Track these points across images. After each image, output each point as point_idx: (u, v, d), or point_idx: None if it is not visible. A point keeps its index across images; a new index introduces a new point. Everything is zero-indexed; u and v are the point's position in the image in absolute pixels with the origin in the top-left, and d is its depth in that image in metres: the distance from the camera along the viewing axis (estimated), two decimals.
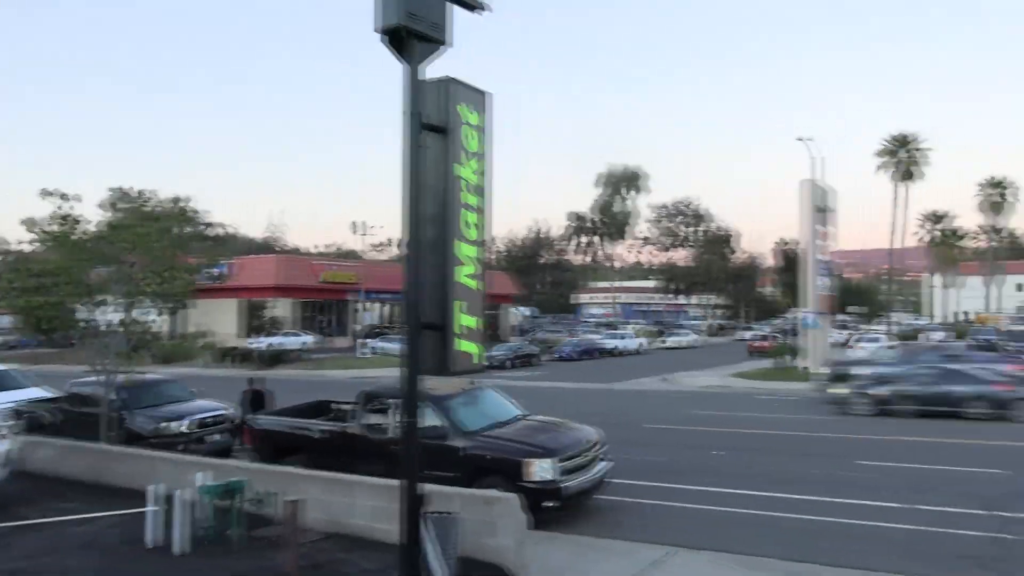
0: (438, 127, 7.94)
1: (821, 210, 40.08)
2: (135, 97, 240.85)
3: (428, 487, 8.56)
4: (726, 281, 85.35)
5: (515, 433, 12.63)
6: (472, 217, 8.23)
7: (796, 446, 19.26)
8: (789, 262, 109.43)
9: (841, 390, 25.83)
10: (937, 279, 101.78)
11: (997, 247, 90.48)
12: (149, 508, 9.48)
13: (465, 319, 8.16)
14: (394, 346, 53.16)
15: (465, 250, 8.15)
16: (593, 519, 12.26)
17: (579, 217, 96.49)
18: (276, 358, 48.18)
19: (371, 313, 67.80)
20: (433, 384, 14.93)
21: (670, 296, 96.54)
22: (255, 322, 58.87)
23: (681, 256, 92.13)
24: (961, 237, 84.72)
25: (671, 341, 68.17)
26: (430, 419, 12.46)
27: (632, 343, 62.25)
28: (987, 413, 22.50)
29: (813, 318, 35.23)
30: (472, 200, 8.23)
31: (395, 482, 8.46)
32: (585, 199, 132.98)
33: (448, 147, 7.94)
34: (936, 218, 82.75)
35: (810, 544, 10.84)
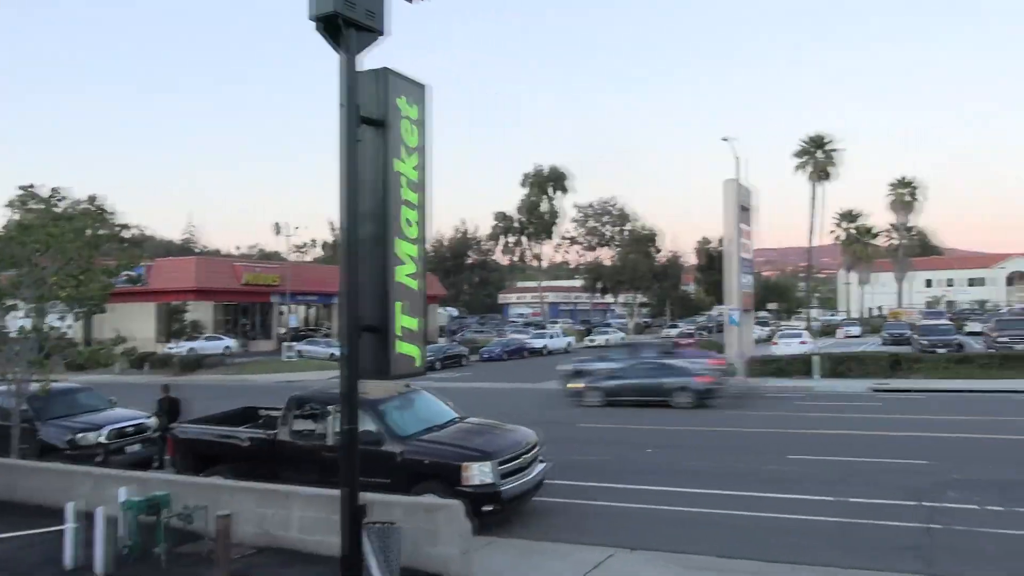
0: (376, 120, 7.63)
1: (744, 209, 40.78)
2: (39, 93, 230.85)
3: (368, 496, 8.24)
4: (652, 279, 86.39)
5: (452, 437, 12.35)
6: (412, 214, 7.94)
7: (724, 441, 19.48)
8: (710, 260, 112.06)
9: (577, 384, 28.44)
10: (851, 276, 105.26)
11: (907, 245, 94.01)
12: (67, 526, 8.86)
13: (406, 320, 7.87)
14: (320, 349, 52.21)
15: (405, 248, 7.86)
16: (531, 522, 12.08)
17: (505, 217, 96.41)
18: (197, 363, 46.68)
19: (295, 316, 66.42)
20: (367, 387, 14.62)
21: (595, 295, 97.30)
22: (174, 326, 56.92)
23: (606, 255, 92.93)
24: (875, 235, 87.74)
25: (599, 339, 68.64)
26: (364, 424, 12.02)
27: (561, 342, 62.51)
28: (690, 402, 25.49)
29: (737, 315, 35.81)
30: (412, 197, 7.94)
31: (333, 492, 8.10)
32: (512, 199, 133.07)
33: (387, 141, 7.64)
34: (850, 217, 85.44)
35: (746, 540, 10.90)
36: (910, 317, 72.76)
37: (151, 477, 11.04)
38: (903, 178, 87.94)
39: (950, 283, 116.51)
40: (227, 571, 7.81)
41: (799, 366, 36.02)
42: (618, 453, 17.78)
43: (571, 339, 64.76)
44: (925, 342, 41.96)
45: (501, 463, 11.59)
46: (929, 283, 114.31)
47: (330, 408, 12.45)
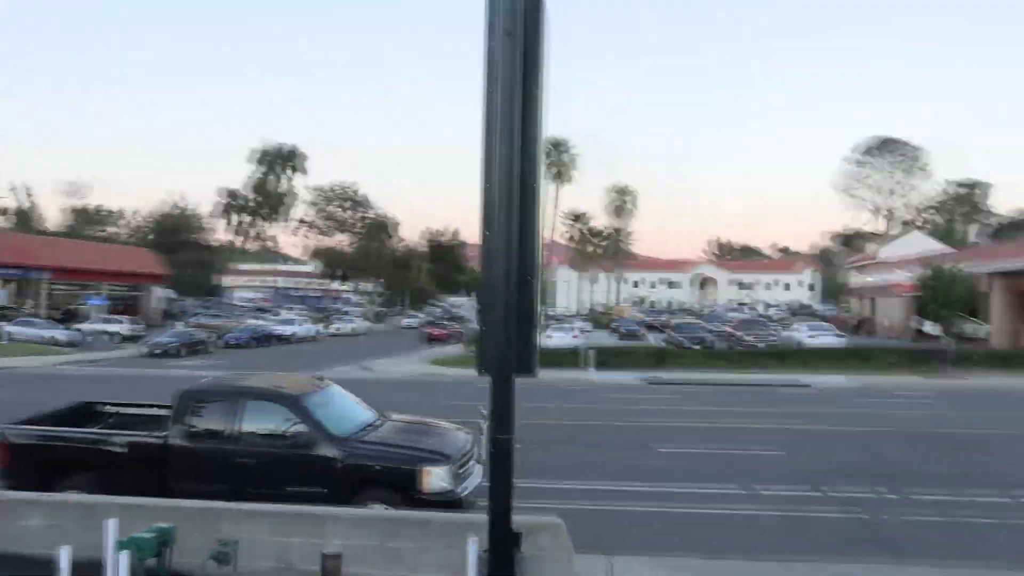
0: None
1: None
2: None
3: (401, 513, 6.65)
4: (392, 268, 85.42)
5: (398, 437, 10.79)
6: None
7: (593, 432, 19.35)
8: (439, 251, 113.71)
9: None
10: (566, 272, 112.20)
11: (620, 247, 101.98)
12: None
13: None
14: (35, 331, 45.16)
15: None
16: None
17: (231, 194, 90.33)
18: None
19: (5, 291, 56.84)
20: (271, 381, 12.43)
21: (327, 281, 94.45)
22: None
23: (342, 241, 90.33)
24: (599, 235, 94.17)
25: (344, 327, 66.55)
26: (289, 425, 10.21)
27: (307, 329, 59.72)
28: None
29: None
30: None
31: (389, 513, 6.48)
32: (238, 176, 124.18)
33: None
34: (577, 217, 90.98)
35: (694, 536, 10.66)
36: (629, 314, 78.89)
37: (106, 502, 7.85)
38: (619, 184, 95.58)
39: (652, 284, 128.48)
40: None
41: (571, 358, 37.23)
42: None
43: (317, 326, 62.05)
44: (682, 338, 45.47)
45: (458, 465, 10.31)
46: (635, 283, 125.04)
47: (236, 405, 10.37)
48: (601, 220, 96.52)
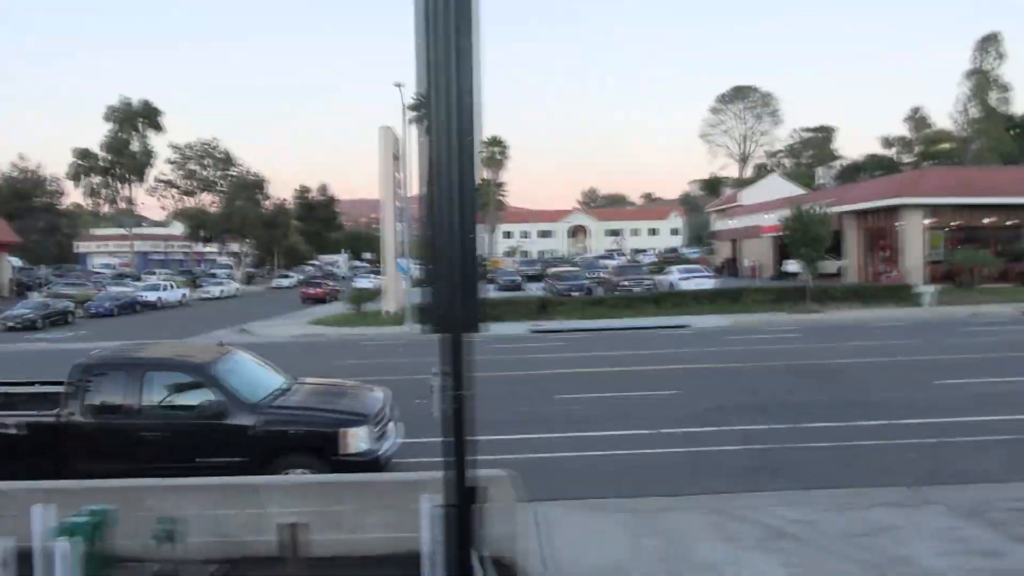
0: None
1: (396, 158, 40.80)
2: None
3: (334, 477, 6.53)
4: (261, 228, 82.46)
5: (313, 400, 10.59)
6: None
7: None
8: (309, 210, 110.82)
9: None
10: None
11: (494, 198, 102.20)
12: None
13: None
14: None
15: None
16: None
17: (83, 154, 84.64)
18: None
19: None
20: (175, 349, 11.88)
21: (192, 244, 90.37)
22: None
23: (207, 201, 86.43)
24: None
25: (214, 291, 64.13)
26: (197, 394, 9.83)
27: (174, 294, 57.19)
28: None
29: (406, 263, 35.92)
30: None
31: (311, 478, 6.35)
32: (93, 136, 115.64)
33: None
34: None
35: (626, 478, 11.07)
36: (508, 265, 79.62)
37: (26, 487, 7.14)
38: (493, 137, 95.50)
39: (525, 235, 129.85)
40: None
41: None
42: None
43: (185, 291, 59.50)
44: (562, 286, 46.20)
45: (376, 425, 10.23)
46: (509, 235, 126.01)
47: (144, 376, 9.88)
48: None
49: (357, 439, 9.83)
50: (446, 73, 5.28)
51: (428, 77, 5.39)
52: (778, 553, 8.00)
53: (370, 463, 9.83)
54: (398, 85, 39.10)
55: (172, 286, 58.81)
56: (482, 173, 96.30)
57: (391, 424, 11.02)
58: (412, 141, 42.11)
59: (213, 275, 76.63)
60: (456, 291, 5.38)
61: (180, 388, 9.93)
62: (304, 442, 9.74)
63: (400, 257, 36.49)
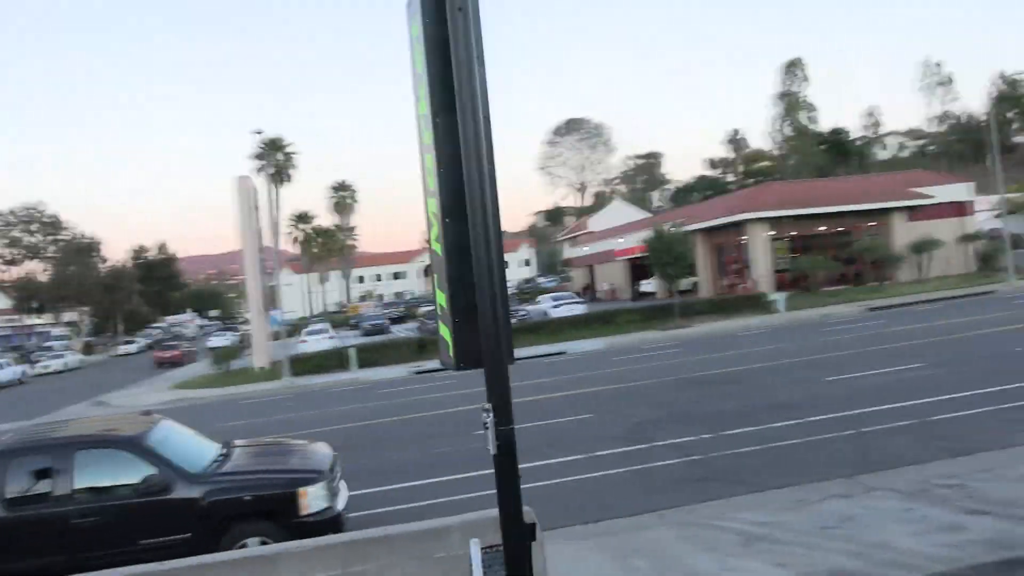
0: None
1: (256, 208, 39.60)
2: None
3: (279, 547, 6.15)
4: (100, 292, 77.19)
5: (259, 462, 9.98)
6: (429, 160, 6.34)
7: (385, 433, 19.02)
8: (148, 270, 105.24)
9: None
10: (288, 276, 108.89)
11: (346, 244, 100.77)
12: None
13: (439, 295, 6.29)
14: None
15: (430, 204, 6.25)
16: None
17: None
18: None
19: None
20: (101, 425, 10.90)
21: (20, 317, 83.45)
22: None
23: (34, 270, 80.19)
24: (325, 234, 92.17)
25: (54, 364, 59.51)
26: (136, 471, 9.05)
27: (10, 372, 52.57)
28: None
29: (279, 314, 34.68)
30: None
31: (329, 540, 6.01)
32: None
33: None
34: (304, 218, 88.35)
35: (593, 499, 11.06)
36: (367, 310, 78.36)
37: None
38: (342, 182, 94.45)
39: (378, 278, 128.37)
40: None
41: (332, 360, 36.46)
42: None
43: (23, 368, 54.85)
44: (434, 325, 45.79)
45: (330, 481, 9.75)
46: (362, 279, 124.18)
47: (65, 460, 8.98)
48: (324, 219, 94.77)
49: (316, 497, 9.35)
50: (471, 101, 5.19)
51: (455, 104, 5.27)
52: (765, 554, 8.21)
53: (330, 522, 9.35)
54: (258, 132, 38.18)
55: (8, 363, 54.02)
56: (334, 219, 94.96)
57: (340, 479, 10.54)
58: (263, 190, 40.82)
59: (49, 348, 71.05)
60: (497, 324, 5.26)
61: (113, 466, 9.12)
62: (258, 507, 9.15)
63: (273, 309, 35.23)
